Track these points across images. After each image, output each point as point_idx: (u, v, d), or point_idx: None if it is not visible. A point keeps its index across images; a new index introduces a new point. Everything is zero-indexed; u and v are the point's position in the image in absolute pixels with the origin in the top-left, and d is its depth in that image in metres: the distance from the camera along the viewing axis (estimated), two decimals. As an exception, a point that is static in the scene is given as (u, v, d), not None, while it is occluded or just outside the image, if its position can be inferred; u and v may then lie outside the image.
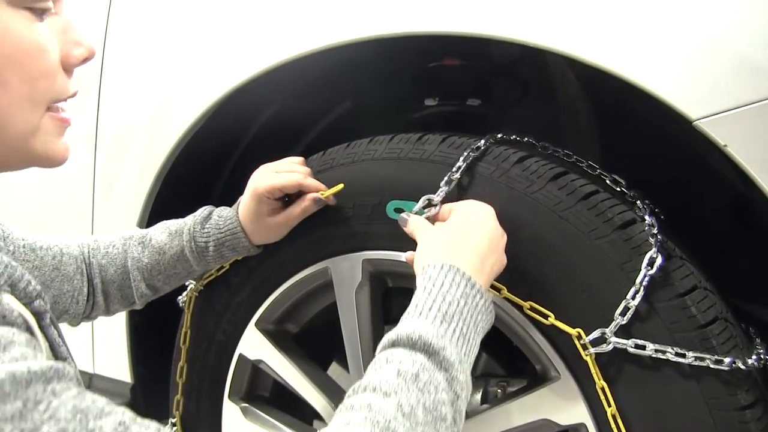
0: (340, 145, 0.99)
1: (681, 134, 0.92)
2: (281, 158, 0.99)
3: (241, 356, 1.08)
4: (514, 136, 0.92)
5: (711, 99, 0.72)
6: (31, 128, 0.63)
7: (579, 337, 0.79)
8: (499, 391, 0.98)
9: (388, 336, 0.65)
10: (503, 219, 0.79)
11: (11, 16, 0.59)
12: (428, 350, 0.62)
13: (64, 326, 0.97)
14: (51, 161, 0.66)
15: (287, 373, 1.04)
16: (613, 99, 1.07)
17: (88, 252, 0.99)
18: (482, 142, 0.88)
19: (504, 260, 0.78)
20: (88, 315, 0.99)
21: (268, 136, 1.24)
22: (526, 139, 0.93)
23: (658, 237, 0.79)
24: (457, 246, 0.73)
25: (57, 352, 0.62)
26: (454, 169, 0.85)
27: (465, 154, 0.86)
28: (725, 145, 0.71)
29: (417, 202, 0.86)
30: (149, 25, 1.16)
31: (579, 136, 1.19)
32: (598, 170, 0.90)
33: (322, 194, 0.93)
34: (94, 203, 1.26)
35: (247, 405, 1.10)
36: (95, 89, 1.21)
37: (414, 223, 0.81)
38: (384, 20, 0.90)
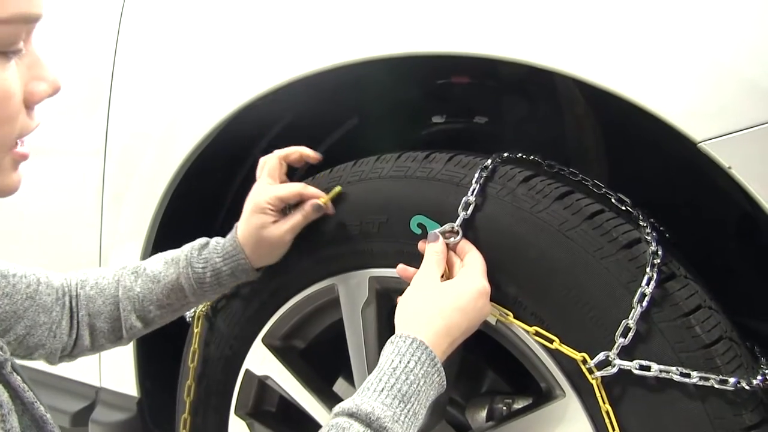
0: (347, 163, 1.00)
1: (687, 155, 0.93)
2: (290, 175, 0.99)
3: (247, 372, 1.08)
4: (520, 155, 0.93)
5: (716, 121, 0.72)
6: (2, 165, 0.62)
7: (584, 362, 0.79)
8: (504, 408, 0.98)
9: (347, 405, 0.69)
10: (509, 238, 0.79)
11: None
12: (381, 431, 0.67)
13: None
14: (2, 194, 0.65)
15: (293, 388, 1.04)
16: (620, 119, 1.08)
17: (76, 284, 0.95)
18: (489, 161, 0.88)
19: (475, 325, 0.80)
20: (70, 352, 0.95)
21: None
22: (532, 157, 0.94)
23: (658, 255, 0.79)
24: (437, 320, 0.76)
25: (21, 398, 0.61)
26: (469, 193, 0.85)
27: (477, 174, 0.86)
28: (729, 167, 0.72)
29: (431, 220, 0.87)
30: (161, 39, 1.16)
31: (585, 155, 1.19)
32: (604, 189, 0.91)
33: (321, 200, 0.94)
34: (103, 216, 1.26)
35: (253, 420, 1.10)
36: (105, 101, 1.21)
37: (431, 250, 0.83)
38: (392, 40, 0.91)
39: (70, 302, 0.94)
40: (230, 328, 1.09)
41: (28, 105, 0.63)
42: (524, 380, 0.98)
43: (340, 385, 1.16)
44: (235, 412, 1.10)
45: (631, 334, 0.76)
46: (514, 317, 0.84)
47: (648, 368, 0.76)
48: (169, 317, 0.99)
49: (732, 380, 0.74)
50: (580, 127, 1.19)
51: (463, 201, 0.85)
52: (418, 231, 0.89)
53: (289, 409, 1.09)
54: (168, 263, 0.95)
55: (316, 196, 0.94)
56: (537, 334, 0.82)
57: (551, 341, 0.81)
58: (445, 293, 0.79)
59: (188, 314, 1.12)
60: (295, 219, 0.93)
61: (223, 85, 1.08)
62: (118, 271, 0.97)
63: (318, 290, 1.00)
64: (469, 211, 0.85)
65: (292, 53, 1.00)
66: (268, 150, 1.24)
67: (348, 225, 0.95)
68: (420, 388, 0.72)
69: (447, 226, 0.85)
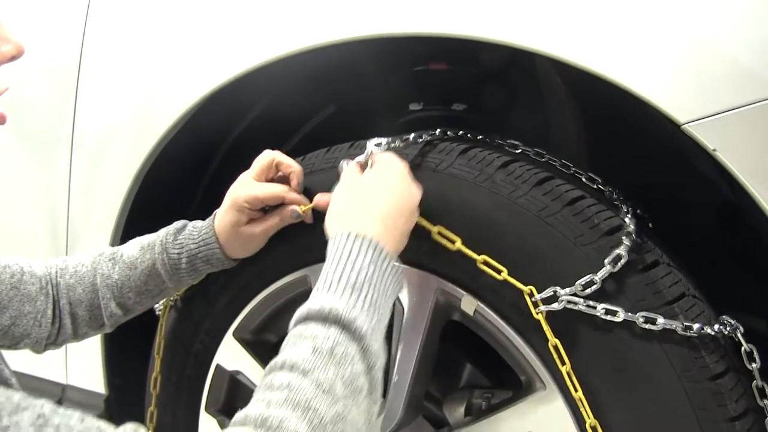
0: (320, 150, 0.97)
1: (670, 139, 0.91)
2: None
3: (218, 367, 1.05)
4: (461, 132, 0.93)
5: (700, 102, 0.70)
6: None
7: (531, 294, 0.78)
8: (483, 403, 0.95)
9: (300, 310, 0.66)
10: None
11: None
12: (340, 323, 0.63)
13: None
14: None
15: (266, 384, 1.00)
16: (602, 103, 1.06)
17: (56, 272, 0.95)
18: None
19: (415, 218, 0.79)
20: (54, 340, 0.95)
21: (252, 139, 1.21)
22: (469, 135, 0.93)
23: (633, 238, 0.78)
24: (364, 211, 0.73)
25: (10, 386, 0.60)
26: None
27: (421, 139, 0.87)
28: (714, 150, 0.69)
29: None
30: (130, 23, 1.13)
31: (567, 141, 1.17)
32: (579, 173, 0.89)
33: (301, 208, 0.91)
34: (69, 208, 1.23)
35: (224, 418, 1.06)
36: (72, 90, 1.18)
37: (346, 169, 0.83)
38: (368, 21, 0.88)
39: (53, 291, 0.93)
40: (200, 321, 1.05)
41: None
42: (503, 373, 0.96)
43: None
44: (206, 410, 1.07)
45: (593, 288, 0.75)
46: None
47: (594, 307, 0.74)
48: (149, 303, 0.98)
49: (696, 326, 0.72)
50: (560, 113, 1.17)
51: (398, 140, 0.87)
52: None
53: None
54: (144, 248, 0.94)
55: (298, 203, 0.91)
56: (485, 263, 0.80)
57: (499, 272, 0.79)
58: (367, 182, 0.78)
59: (157, 307, 1.09)
60: (271, 222, 0.92)
61: (193, 69, 1.05)
62: (96, 258, 0.96)
63: (290, 281, 0.98)
64: (392, 145, 0.86)
65: (262, 36, 0.97)
66: (241, 138, 1.22)
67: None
68: (370, 276, 0.68)
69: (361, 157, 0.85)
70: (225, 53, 1.01)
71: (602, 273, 0.75)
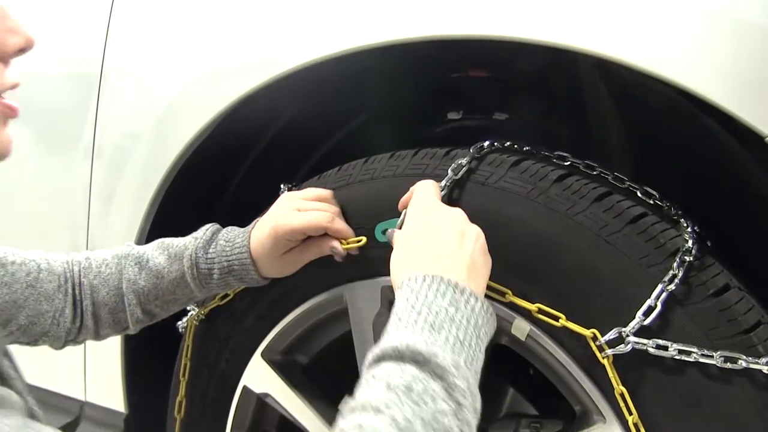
0: (357, 161, 0.92)
1: (735, 150, 0.86)
2: (292, 174, 0.92)
3: (245, 389, 1.00)
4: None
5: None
6: None
7: (594, 338, 0.71)
8: (530, 433, 0.89)
9: (372, 352, 0.59)
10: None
11: None
12: (418, 359, 0.56)
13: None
14: None
15: (295, 407, 0.96)
16: (651, 112, 1.00)
17: (79, 271, 0.91)
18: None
19: (490, 260, 0.71)
20: (74, 338, 0.93)
21: (279, 149, 1.17)
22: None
23: (699, 258, 0.72)
24: (437, 252, 0.67)
25: (9, 386, 0.57)
26: (442, 183, 0.80)
27: (456, 164, 0.81)
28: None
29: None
30: (153, 29, 1.10)
31: (611, 152, 1.12)
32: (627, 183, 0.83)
33: (343, 245, 0.86)
34: (90, 217, 1.20)
35: (250, 442, 1.02)
36: (94, 96, 1.15)
37: (395, 239, 0.75)
38: (401, 24, 0.84)
39: (73, 290, 0.91)
40: (225, 339, 1.01)
41: (2, 58, 0.62)
42: (552, 401, 0.90)
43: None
44: (231, 433, 1.01)
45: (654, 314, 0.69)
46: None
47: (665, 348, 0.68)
48: (176, 308, 0.95)
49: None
50: (605, 122, 1.12)
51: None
52: (384, 239, 0.83)
53: (291, 430, 1.00)
54: (171, 258, 0.90)
55: (341, 236, 0.86)
56: (540, 311, 0.75)
57: (557, 318, 0.73)
58: (427, 228, 0.70)
59: (180, 324, 1.05)
60: (310, 253, 0.88)
61: (219, 76, 1.01)
62: (121, 260, 0.92)
63: (324, 300, 0.93)
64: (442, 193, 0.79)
65: (295, 40, 0.93)
66: (269, 146, 1.17)
67: (358, 228, 0.87)
68: (453, 315, 0.60)
69: (404, 213, 0.79)
70: (253, 59, 0.97)
71: (668, 297, 0.69)
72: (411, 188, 0.78)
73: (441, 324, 0.59)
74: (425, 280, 0.63)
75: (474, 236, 0.70)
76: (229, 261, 0.88)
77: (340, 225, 0.86)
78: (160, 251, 0.91)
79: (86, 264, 0.92)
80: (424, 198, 0.75)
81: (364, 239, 0.85)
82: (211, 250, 0.89)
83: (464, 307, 0.62)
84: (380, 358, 0.58)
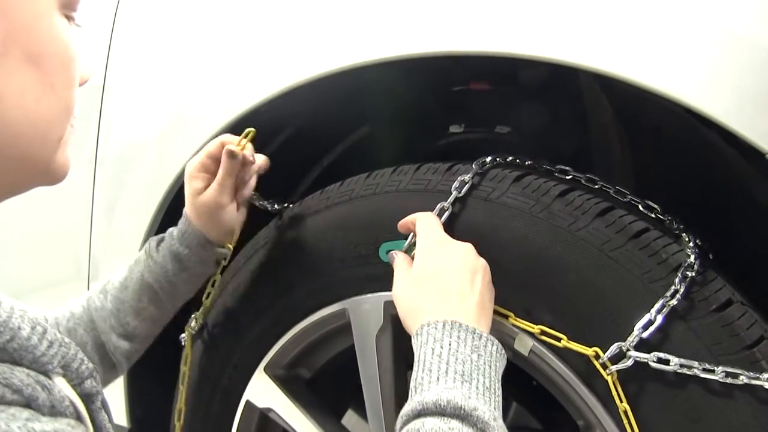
0: (360, 175, 0.92)
1: (734, 165, 0.86)
2: (295, 187, 0.92)
3: (248, 403, 0.99)
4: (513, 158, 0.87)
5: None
6: (63, 138, 0.58)
7: (597, 356, 0.71)
8: (533, 447, 0.89)
9: (411, 407, 0.61)
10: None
11: (59, 20, 0.55)
12: (460, 414, 0.58)
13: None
14: (61, 175, 0.60)
15: (299, 422, 0.95)
16: (653, 129, 1.00)
17: (54, 324, 0.90)
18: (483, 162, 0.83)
19: (494, 292, 0.74)
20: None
21: (282, 161, 1.16)
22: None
23: (701, 273, 0.72)
24: (448, 294, 0.69)
25: None
26: (446, 203, 0.80)
27: (459, 180, 0.81)
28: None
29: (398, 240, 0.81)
30: (157, 40, 1.10)
31: (611, 166, 1.12)
32: (628, 196, 0.83)
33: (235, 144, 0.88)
34: (92, 231, 1.19)
35: (254, 457, 1.01)
36: (96, 108, 1.15)
37: (397, 263, 0.77)
38: (403, 40, 0.84)
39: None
40: (228, 354, 1.00)
41: (80, 84, 0.61)
42: (555, 415, 0.90)
43: (349, 418, 1.08)
44: (234, 448, 1.01)
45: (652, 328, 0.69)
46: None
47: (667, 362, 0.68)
48: (151, 326, 0.93)
49: None
50: (606, 136, 1.12)
51: (438, 206, 0.80)
52: (387, 259, 0.83)
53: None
54: (131, 266, 0.92)
55: (231, 141, 0.89)
56: (543, 333, 0.75)
57: (559, 339, 0.74)
58: (435, 270, 0.72)
59: (183, 336, 1.04)
60: (219, 176, 0.88)
61: (224, 90, 1.01)
62: (88, 296, 0.93)
63: (327, 315, 0.92)
64: (444, 217, 0.80)
65: (296, 56, 0.93)
66: (272, 160, 1.17)
67: (360, 244, 0.87)
68: (477, 363, 0.64)
69: (411, 237, 0.80)
70: (257, 74, 0.97)
71: (669, 312, 0.69)
72: (412, 215, 0.79)
73: (470, 374, 0.62)
74: (444, 327, 0.65)
75: (482, 272, 0.72)
76: (174, 238, 0.90)
77: (233, 136, 0.89)
78: (122, 269, 0.93)
79: (59, 314, 0.92)
80: (431, 233, 0.76)
81: (251, 129, 0.88)
82: (162, 243, 0.91)
83: (484, 353, 0.65)
84: (421, 413, 0.59)
